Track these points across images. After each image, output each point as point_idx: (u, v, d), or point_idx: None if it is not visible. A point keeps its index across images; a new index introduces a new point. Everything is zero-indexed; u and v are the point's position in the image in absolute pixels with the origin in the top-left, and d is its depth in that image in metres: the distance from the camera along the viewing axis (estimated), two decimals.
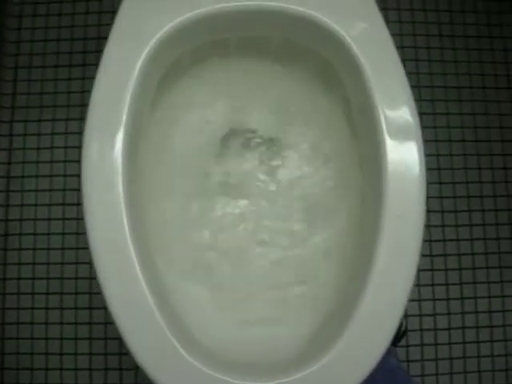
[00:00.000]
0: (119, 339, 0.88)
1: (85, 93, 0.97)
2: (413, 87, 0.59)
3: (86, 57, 0.98)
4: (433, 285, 0.94)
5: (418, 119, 0.58)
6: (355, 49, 0.59)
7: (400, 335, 0.88)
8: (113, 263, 0.53)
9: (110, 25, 1.00)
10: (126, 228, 0.53)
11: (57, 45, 0.99)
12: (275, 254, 0.68)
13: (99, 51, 0.96)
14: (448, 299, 0.94)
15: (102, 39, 0.98)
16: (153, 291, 0.52)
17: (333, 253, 0.65)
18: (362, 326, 0.52)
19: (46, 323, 0.91)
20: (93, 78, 0.53)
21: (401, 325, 0.89)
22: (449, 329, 0.93)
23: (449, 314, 0.93)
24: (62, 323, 0.91)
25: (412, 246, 0.54)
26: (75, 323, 0.91)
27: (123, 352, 0.90)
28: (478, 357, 0.93)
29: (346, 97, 0.65)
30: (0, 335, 0.91)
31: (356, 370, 0.51)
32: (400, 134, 0.57)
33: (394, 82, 0.59)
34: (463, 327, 0.93)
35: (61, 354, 0.90)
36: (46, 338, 0.91)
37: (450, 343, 0.93)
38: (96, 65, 0.98)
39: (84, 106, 0.96)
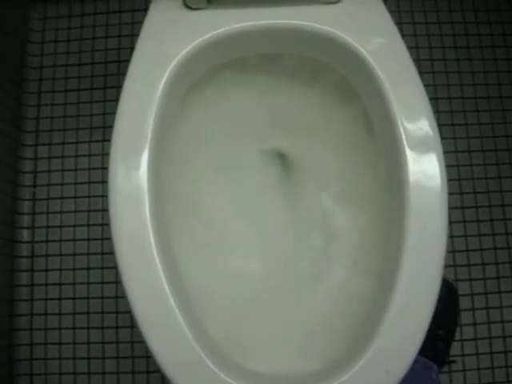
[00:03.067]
0: (146, 357, 0.90)
1: (106, 115, 0.99)
2: (430, 99, 0.59)
3: (107, 80, 1.00)
4: (458, 295, 0.93)
5: (437, 131, 0.58)
6: (373, 63, 0.60)
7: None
8: (142, 286, 0.53)
9: (129, 48, 1.04)
10: (154, 249, 0.53)
11: (78, 69, 1.01)
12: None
13: (119, 74, 1.00)
14: (473, 309, 0.93)
15: (121, 62, 1.00)
16: (180, 305, 0.53)
17: (358, 268, 0.66)
18: (387, 337, 0.52)
19: (74, 343, 0.92)
20: (114, 100, 0.54)
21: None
22: (475, 339, 0.92)
23: (475, 324, 0.93)
24: (89, 343, 0.92)
25: (436, 258, 0.54)
26: (102, 342, 0.92)
27: (150, 370, 0.91)
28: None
29: (364, 111, 0.65)
30: (29, 356, 0.92)
31: (383, 380, 0.51)
32: (420, 146, 0.57)
33: (413, 94, 0.59)
34: (490, 337, 0.92)
35: (89, 374, 0.91)
36: (74, 358, 0.91)
37: (478, 354, 0.92)
38: (117, 87, 1.01)
39: (106, 127, 0.98)
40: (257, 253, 0.69)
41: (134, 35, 1.01)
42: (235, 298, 0.66)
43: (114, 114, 0.58)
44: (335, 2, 0.61)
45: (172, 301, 0.52)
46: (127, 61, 0.60)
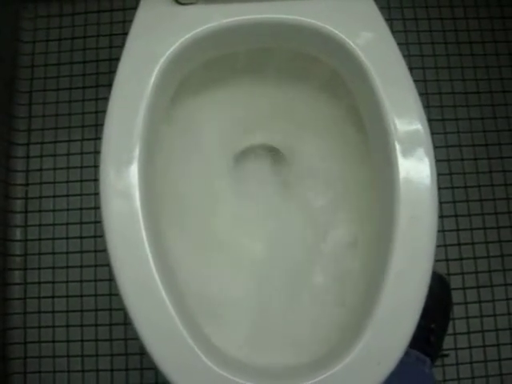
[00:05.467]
0: (140, 354, 0.90)
1: (98, 113, 0.99)
2: (421, 94, 0.59)
3: (99, 78, 1.01)
4: (450, 289, 0.93)
5: (427, 125, 0.58)
6: (363, 58, 0.60)
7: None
8: (134, 283, 0.52)
9: (120, 47, 1.03)
10: (146, 245, 0.53)
11: (70, 68, 1.01)
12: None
13: (111, 72, 1.00)
14: (466, 303, 0.94)
15: (113, 60, 1.01)
16: (173, 301, 0.53)
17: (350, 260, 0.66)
18: (378, 329, 0.52)
19: (68, 341, 0.92)
20: (106, 98, 0.54)
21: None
22: (468, 333, 0.93)
23: (467, 317, 0.93)
24: (82, 340, 0.92)
25: (426, 249, 0.54)
26: (96, 340, 0.92)
27: (144, 367, 0.91)
28: None
29: (354, 106, 0.66)
30: (23, 355, 0.92)
31: (374, 372, 0.52)
32: (410, 140, 0.57)
33: (403, 89, 0.59)
34: (482, 331, 0.93)
35: (82, 371, 0.91)
36: (68, 356, 0.91)
37: (467, 347, 0.93)
38: (108, 85, 1.01)
39: (98, 125, 0.98)
40: (250, 245, 0.69)
41: (125, 34, 0.99)
42: (229, 291, 0.66)
43: (105, 112, 0.58)
44: None
45: (165, 296, 0.52)
46: (119, 59, 0.61)
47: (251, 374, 0.53)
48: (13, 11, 1.02)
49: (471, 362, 0.92)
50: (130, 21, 0.64)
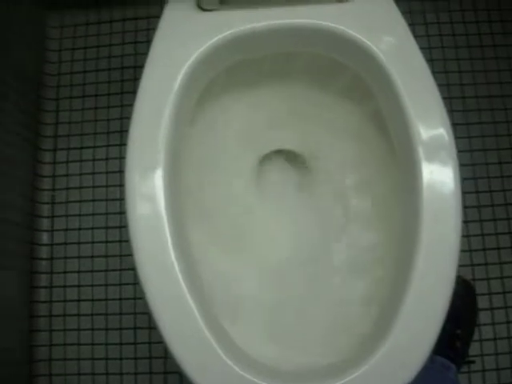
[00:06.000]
0: (164, 358, 0.91)
1: (123, 119, 1.00)
2: (444, 98, 0.59)
3: (124, 85, 1.02)
4: (476, 294, 0.92)
5: (450, 129, 0.58)
6: (385, 62, 0.60)
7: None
8: (159, 287, 0.53)
9: (145, 54, 1.05)
10: (171, 248, 0.53)
11: (95, 75, 1.03)
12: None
13: (136, 79, 1.01)
14: (492, 308, 0.93)
15: (138, 68, 1.02)
16: (198, 305, 0.53)
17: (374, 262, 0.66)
18: (403, 332, 0.52)
19: (92, 344, 0.93)
20: (130, 105, 0.55)
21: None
22: (495, 339, 0.92)
23: (493, 323, 0.92)
24: (107, 344, 0.93)
25: (451, 249, 0.54)
26: (120, 343, 0.93)
27: (168, 371, 0.92)
28: None
29: (377, 110, 0.66)
30: (48, 357, 0.93)
31: (398, 375, 0.51)
32: (434, 144, 0.57)
33: (426, 93, 0.59)
34: (509, 337, 0.92)
35: (107, 374, 0.92)
36: (92, 359, 0.92)
37: (496, 353, 0.92)
38: (133, 92, 1.02)
39: (123, 132, 0.99)
40: (273, 248, 0.70)
41: (149, 41, 1.01)
42: (253, 293, 0.66)
43: (130, 117, 0.59)
44: (347, 0, 0.62)
45: (190, 300, 0.52)
46: (143, 66, 0.61)
47: (275, 375, 0.53)
48: (39, 20, 1.04)
49: (497, 369, 0.91)
50: (154, 29, 0.64)
